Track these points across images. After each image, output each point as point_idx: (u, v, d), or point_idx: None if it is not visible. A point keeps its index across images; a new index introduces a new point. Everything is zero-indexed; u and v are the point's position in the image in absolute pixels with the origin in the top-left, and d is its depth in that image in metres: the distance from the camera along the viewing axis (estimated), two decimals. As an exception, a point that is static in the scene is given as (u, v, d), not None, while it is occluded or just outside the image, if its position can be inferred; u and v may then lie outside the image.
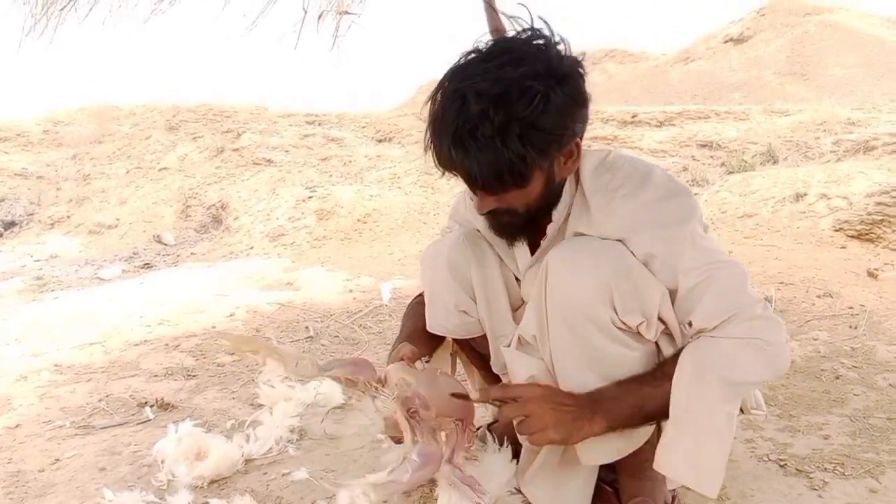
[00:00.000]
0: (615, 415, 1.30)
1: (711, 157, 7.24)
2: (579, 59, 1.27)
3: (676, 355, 1.30)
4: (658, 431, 1.42)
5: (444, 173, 1.30)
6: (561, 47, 1.25)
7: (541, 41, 1.24)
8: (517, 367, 1.50)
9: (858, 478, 1.78)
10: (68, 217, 8.20)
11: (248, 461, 1.98)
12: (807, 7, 18.33)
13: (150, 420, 2.35)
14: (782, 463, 1.86)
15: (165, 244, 7.14)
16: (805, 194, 4.88)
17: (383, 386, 1.48)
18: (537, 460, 1.54)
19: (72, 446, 2.16)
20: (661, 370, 1.31)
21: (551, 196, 1.39)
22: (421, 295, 1.81)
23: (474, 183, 1.27)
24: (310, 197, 6.46)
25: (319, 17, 3.82)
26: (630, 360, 1.34)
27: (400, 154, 8.74)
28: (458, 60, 1.25)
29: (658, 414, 1.32)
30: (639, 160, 1.45)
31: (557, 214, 1.44)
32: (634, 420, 1.32)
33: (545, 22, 1.27)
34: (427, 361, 1.59)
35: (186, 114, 10.31)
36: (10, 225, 8.08)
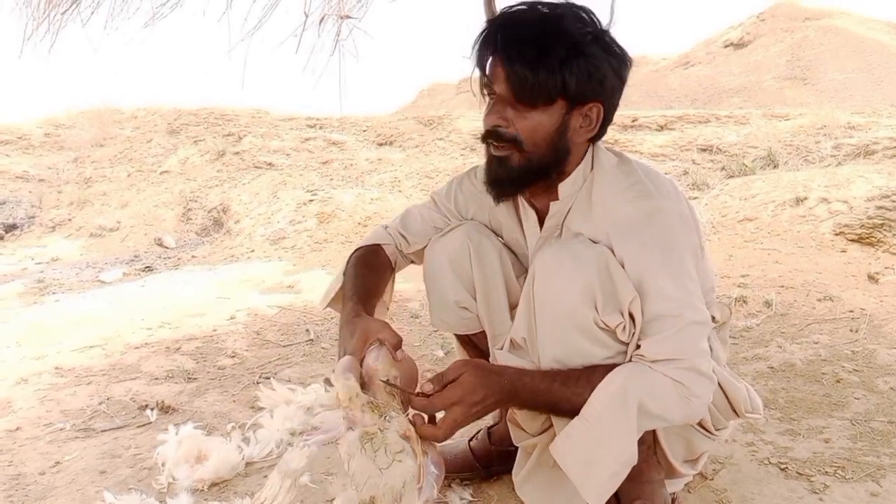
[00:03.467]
0: (527, 405, 1.37)
1: (712, 160, 7.23)
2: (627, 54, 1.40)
3: (609, 368, 1.32)
4: (653, 435, 1.45)
5: (478, 63, 1.40)
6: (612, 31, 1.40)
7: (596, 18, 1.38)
8: None
9: (859, 481, 1.78)
10: (69, 220, 8.21)
11: (248, 464, 1.99)
12: (807, 12, 18.35)
13: (150, 423, 2.35)
14: (783, 466, 1.87)
15: (166, 247, 7.13)
16: (805, 198, 4.88)
17: (363, 388, 1.33)
18: (530, 462, 1.55)
19: (72, 449, 2.16)
20: (588, 380, 1.32)
21: (554, 152, 1.41)
22: (360, 249, 1.76)
23: (509, 69, 1.32)
24: (311, 200, 6.46)
25: (321, 21, 3.82)
26: (608, 361, 1.35)
27: (401, 158, 8.73)
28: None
29: (567, 415, 1.35)
30: (653, 171, 1.48)
31: (564, 192, 1.47)
32: (542, 414, 1.40)
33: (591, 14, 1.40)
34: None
35: (188, 117, 10.32)
36: (12, 228, 8.08)
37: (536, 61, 1.29)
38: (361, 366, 1.35)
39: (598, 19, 1.36)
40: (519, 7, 1.35)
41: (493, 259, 1.68)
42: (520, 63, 1.30)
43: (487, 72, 1.38)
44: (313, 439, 1.34)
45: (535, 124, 1.36)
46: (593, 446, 1.30)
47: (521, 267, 1.73)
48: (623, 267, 1.33)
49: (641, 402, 1.28)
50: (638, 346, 1.34)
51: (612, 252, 1.35)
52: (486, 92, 1.42)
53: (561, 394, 1.32)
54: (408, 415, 1.33)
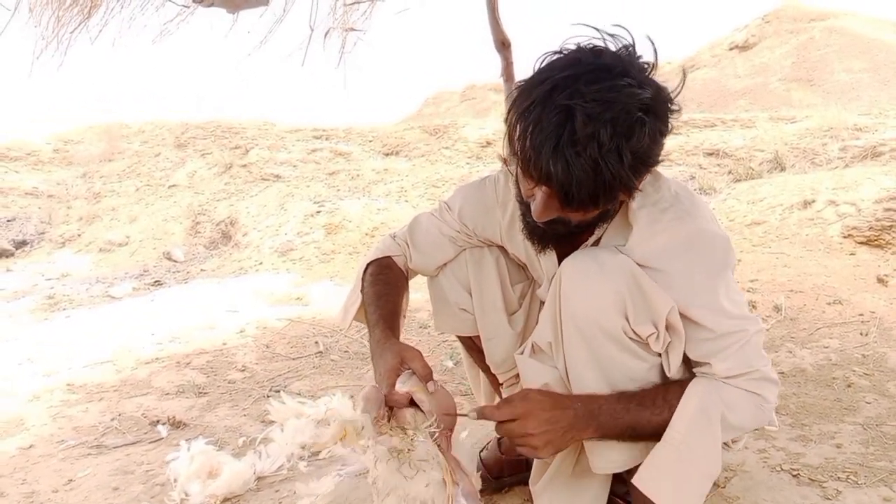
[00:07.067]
0: (607, 430, 1.33)
1: (718, 165, 7.23)
2: (670, 90, 1.25)
3: (681, 385, 1.33)
4: None
5: (533, 184, 1.26)
6: (655, 76, 1.23)
7: (640, 64, 1.21)
8: (530, 376, 1.49)
9: (872, 486, 1.77)
10: (79, 235, 8.26)
11: (259, 479, 1.99)
12: (812, 13, 18.30)
13: (162, 438, 2.36)
14: (795, 472, 1.86)
15: (175, 261, 7.17)
16: (813, 201, 4.86)
17: (390, 410, 1.37)
18: (549, 470, 1.54)
19: (85, 466, 2.17)
20: (665, 399, 1.32)
21: (604, 217, 1.38)
22: (374, 263, 1.75)
23: (566, 199, 1.22)
24: (318, 211, 6.49)
25: (326, 34, 3.85)
26: (640, 370, 1.35)
27: (407, 167, 8.76)
28: (554, 67, 1.21)
29: (647, 436, 1.34)
30: (682, 185, 1.46)
31: (600, 230, 1.43)
32: (623, 437, 1.35)
33: (651, 40, 1.25)
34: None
35: (195, 130, 10.39)
36: (22, 244, 8.14)
37: (594, 195, 1.19)
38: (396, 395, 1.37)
39: (645, 78, 1.20)
40: (564, 114, 1.15)
41: (489, 263, 1.70)
42: (577, 201, 1.20)
43: (537, 182, 1.24)
44: (347, 469, 1.35)
45: (588, 215, 1.30)
46: (683, 469, 1.31)
47: (520, 275, 1.74)
48: (671, 288, 1.32)
49: (723, 416, 1.30)
50: (702, 364, 1.34)
51: (657, 273, 1.33)
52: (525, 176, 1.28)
53: (640, 414, 1.32)
54: (437, 442, 1.34)
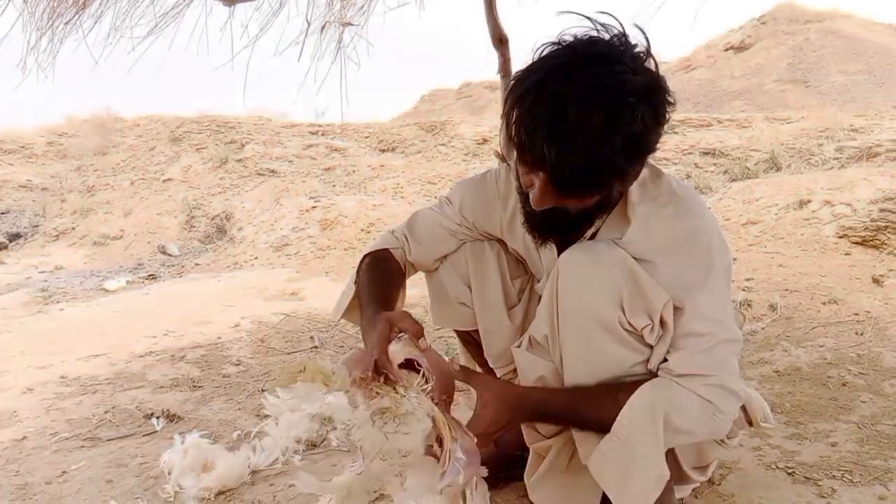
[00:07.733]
0: (549, 427, 1.43)
1: (714, 164, 7.25)
2: (664, 78, 1.24)
3: (636, 386, 1.33)
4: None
5: (526, 170, 1.27)
6: (651, 63, 1.23)
7: (634, 53, 1.21)
8: (527, 369, 1.50)
9: (867, 485, 1.77)
10: (73, 229, 8.23)
11: (254, 472, 1.98)
12: (807, 14, 18.34)
13: (156, 431, 2.35)
14: (790, 471, 1.86)
15: (170, 255, 7.15)
16: (809, 201, 4.88)
17: (380, 376, 1.33)
18: (544, 465, 1.54)
19: (78, 458, 2.16)
20: (615, 399, 1.33)
21: (603, 206, 1.37)
22: (370, 255, 1.75)
23: (560, 183, 1.22)
24: (313, 207, 6.48)
25: (323, 28, 3.84)
26: (632, 362, 1.35)
27: (403, 164, 8.75)
28: (549, 56, 1.21)
29: (596, 432, 1.37)
30: (682, 183, 1.46)
31: (599, 221, 1.43)
32: (565, 428, 1.43)
33: (642, 30, 1.24)
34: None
35: (190, 125, 10.35)
36: (15, 237, 8.11)
37: (587, 178, 1.21)
38: (387, 358, 1.35)
39: (639, 65, 1.20)
40: (557, 100, 1.16)
41: (490, 257, 1.70)
42: (570, 184, 1.22)
43: (532, 167, 1.25)
44: (357, 464, 1.34)
45: (584, 202, 1.30)
46: (626, 463, 1.32)
47: (519, 269, 1.73)
48: (660, 282, 1.32)
49: (667, 417, 1.29)
50: (665, 360, 1.34)
51: (647, 265, 1.33)
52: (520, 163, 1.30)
53: (588, 414, 1.34)
54: (434, 400, 1.33)
